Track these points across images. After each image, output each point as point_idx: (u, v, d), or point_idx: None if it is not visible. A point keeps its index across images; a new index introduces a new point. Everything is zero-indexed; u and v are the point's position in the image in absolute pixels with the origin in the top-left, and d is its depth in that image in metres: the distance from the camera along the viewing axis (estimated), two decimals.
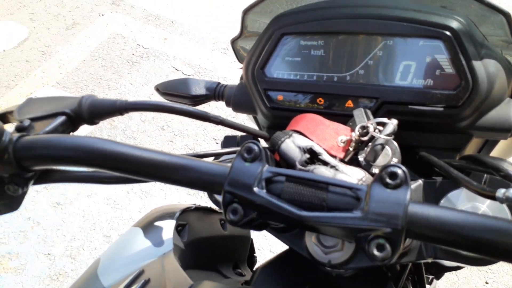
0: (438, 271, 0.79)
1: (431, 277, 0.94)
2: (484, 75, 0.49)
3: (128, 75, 2.57)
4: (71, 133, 0.50)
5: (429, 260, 0.47)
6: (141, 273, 0.54)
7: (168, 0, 3.06)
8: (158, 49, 2.70)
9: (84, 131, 2.17)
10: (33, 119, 0.48)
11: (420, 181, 0.49)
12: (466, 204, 0.46)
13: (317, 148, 0.46)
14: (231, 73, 2.54)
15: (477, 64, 0.49)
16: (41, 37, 2.82)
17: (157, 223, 0.61)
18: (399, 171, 0.33)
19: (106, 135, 2.22)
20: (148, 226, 0.61)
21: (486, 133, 0.52)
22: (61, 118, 0.49)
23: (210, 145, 2.19)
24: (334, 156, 0.47)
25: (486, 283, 1.75)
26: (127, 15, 2.95)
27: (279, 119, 0.59)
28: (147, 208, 1.95)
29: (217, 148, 0.54)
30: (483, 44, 0.50)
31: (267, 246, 1.81)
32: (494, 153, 0.64)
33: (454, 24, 0.49)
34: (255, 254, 0.77)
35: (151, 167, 0.39)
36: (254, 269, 0.74)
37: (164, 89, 0.70)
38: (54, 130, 0.48)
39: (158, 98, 0.71)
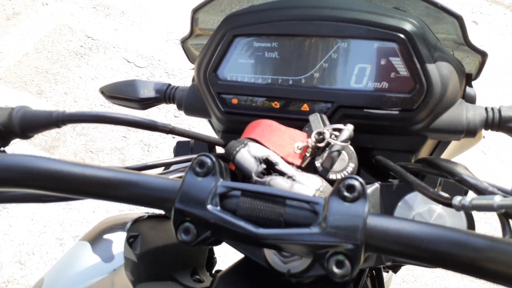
0: (395, 266, 0.79)
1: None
2: (438, 78, 0.49)
3: (76, 69, 2.44)
4: (1, 149, 0.46)
5: (388, 264, 0.47)
6: None
7: None
8: (108, 41, 2.59)
9: None
10: None
11: (377, 184, 0.49)
12: (422, 206, 0.47)
13: (274, 158, 0.44)
14: (186, 64, 2.48)
15: (431, 67, 0.49)
16: None
17: (106, 236, 0.57)
18: (356, 183, 0.33)
19: (54, 132, 2.11)
20: (97, 240, 0.57)
21: (441, 135, 0.52)
22: None
23: (165, 140, 2.13)
24: (291, 164, 0.46)
25: None
26: (74, 4, 2.80)
27: (235, 123, 0.57)
28: (101, 208, 1.87)
29: (168, 157, 0.52)
30: (436, 47, 0.50)
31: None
32: (446, 152, 0.64)
33: (408, 27, 0.49)
34: (214, 256, 0.75)
35: (92, 185, 0.36)
36: (213, 271, 0.73)
37: (109, 92, 0.66)
38: None
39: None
